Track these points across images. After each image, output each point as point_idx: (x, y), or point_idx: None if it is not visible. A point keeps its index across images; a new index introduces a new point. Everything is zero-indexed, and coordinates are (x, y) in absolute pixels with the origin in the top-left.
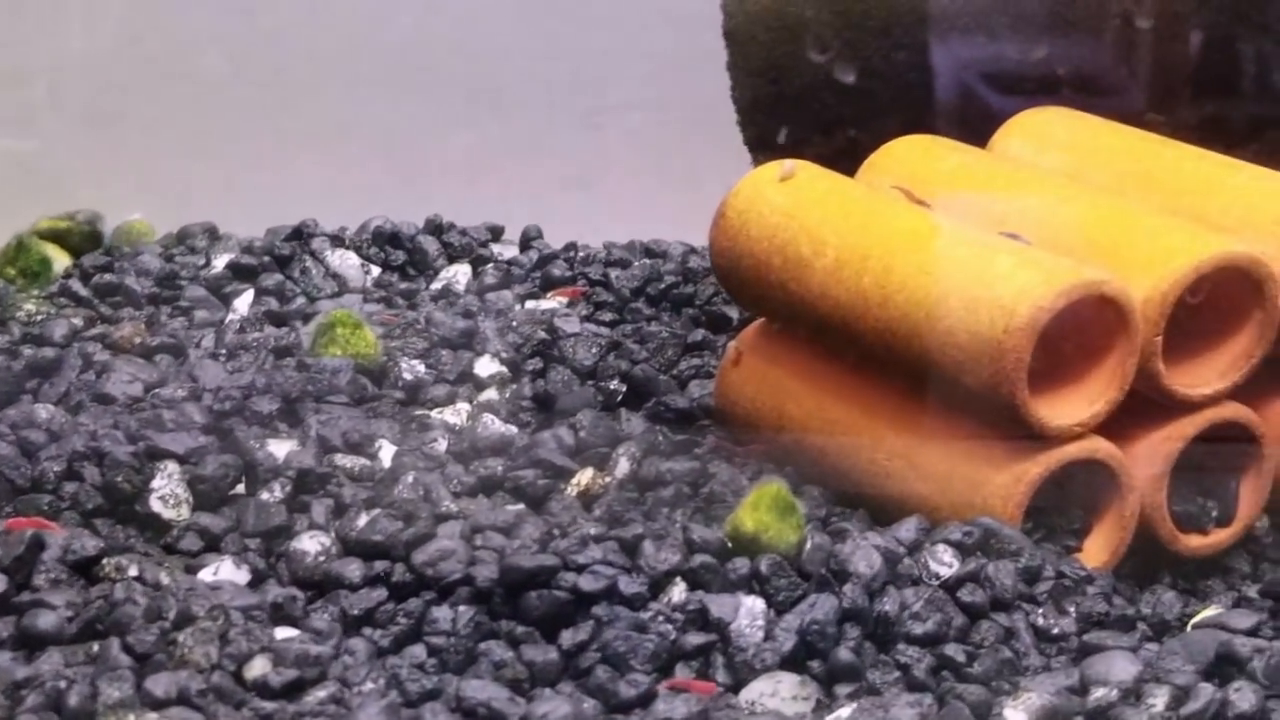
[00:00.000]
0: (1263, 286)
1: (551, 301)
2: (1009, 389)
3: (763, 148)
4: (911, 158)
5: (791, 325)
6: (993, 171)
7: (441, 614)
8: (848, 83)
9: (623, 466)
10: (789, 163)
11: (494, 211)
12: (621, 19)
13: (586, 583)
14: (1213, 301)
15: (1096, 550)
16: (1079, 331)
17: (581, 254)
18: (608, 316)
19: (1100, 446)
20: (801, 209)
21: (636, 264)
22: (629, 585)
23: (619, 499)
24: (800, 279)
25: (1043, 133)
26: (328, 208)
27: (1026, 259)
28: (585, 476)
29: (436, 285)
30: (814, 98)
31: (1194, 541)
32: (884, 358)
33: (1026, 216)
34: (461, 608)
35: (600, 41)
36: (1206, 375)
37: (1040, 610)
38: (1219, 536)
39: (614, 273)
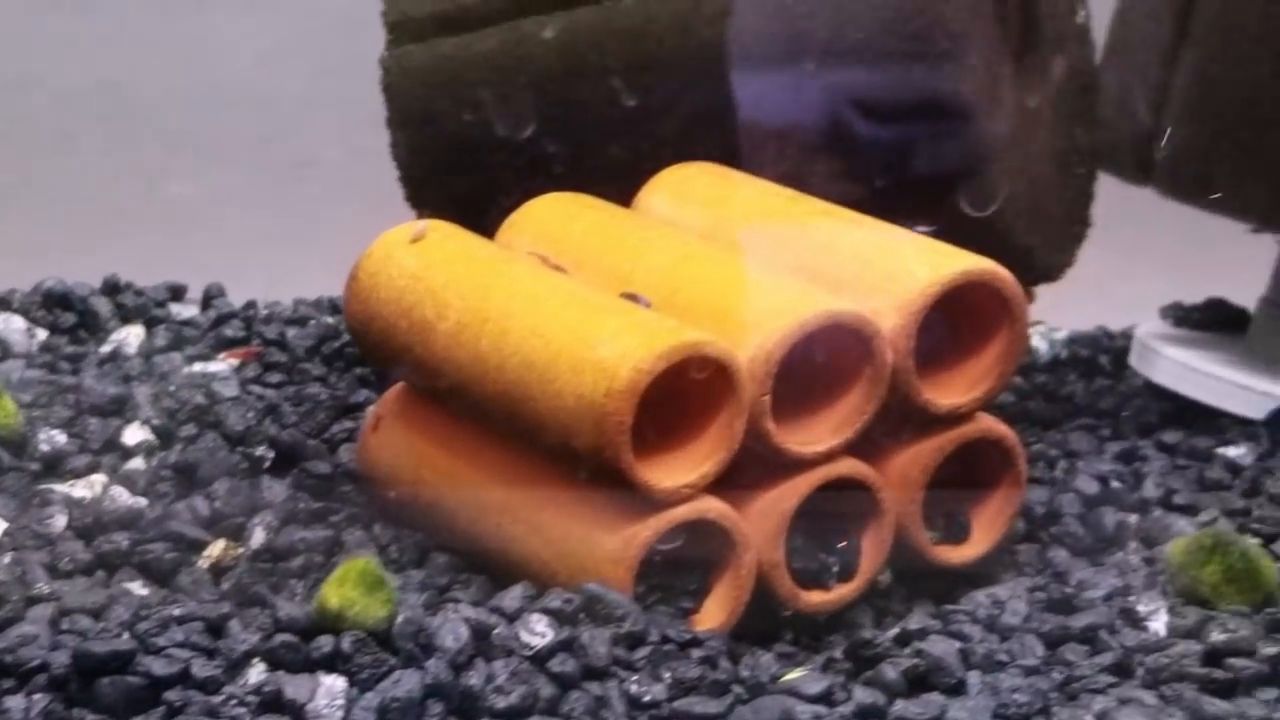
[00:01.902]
0: (871, 344)
1: (222, 363)
2: (613, 452)
3: (423, 205)
4: (550, 217)
5: (423, 389)
6: (623, 230)
7: (15, 703)
8: (506, 139)
9: (258, 536)
10: (420, 223)
11: (188, 268)
12: (327, 70)
13: (160, 667)
14: (825, 358)
15: (714, 611)
16: (687, 392)
17: (265, 312)
18: (276, 378)
19: (712, 507)
20: (428, 271)
21: (315, 322)
22: (203, 668)
23: (250, 571)
24: (425, 342)
25: (684, 188)
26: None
27: (631, 321)
28: (217, 548)
29: (106, 349)
30: (472, 154)
31: (815, 598)
32: (504, 421)
33: (651, 276)
34: (37, 695)
35: (305, 92)
36: (819, 432)
37: (635, 677)
38: (841, 592)
39: (291, 331)
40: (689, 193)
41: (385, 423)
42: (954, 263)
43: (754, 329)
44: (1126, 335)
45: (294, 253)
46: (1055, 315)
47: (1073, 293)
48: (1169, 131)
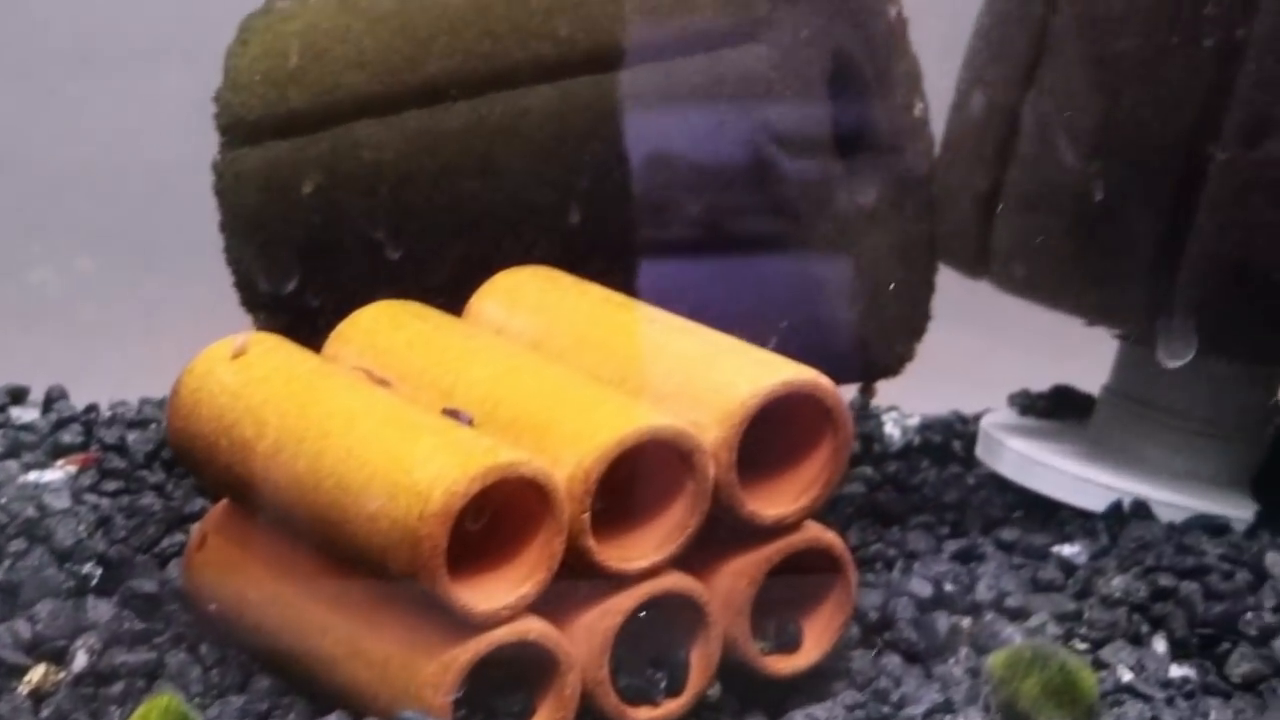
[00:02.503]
0: (692, 458)
1: (58, 471)
2: (428, 576)
3: (258, 309)
4: (376, 327)
5: (246, 509)
6: (448, 341)
7: None
8: (340, 244)
9: (80, 660)
10: (240, 338)
11: (36, 364)
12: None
13: None
14: (646, 473)
15: None
16: (507, 510)
17: (108, 414)
18: (112, 486)
19: (532, 627)
20: (248, 389)
21: (157, 425)
22: None
23: (71, 697)
24: (245, 462)
25: (515, 294)
26: None
27: (447, 442)
28: (38, 673)
29: None
30: (305, 260)
31: (643, 715)
32: (323, 544)
33: (474, 390)
34: None
35: (165, 177)
36: (642, 548)
37: None
38: (669, 707)
39: (132, 435)
40: (520, 299)
41: (211, 540)
42: (775, 374)
43: (572, 446)
44: (980, 419)
45: (147, 346)
46: (911, 400)
47: (930, 375)
48: (1001, 227)
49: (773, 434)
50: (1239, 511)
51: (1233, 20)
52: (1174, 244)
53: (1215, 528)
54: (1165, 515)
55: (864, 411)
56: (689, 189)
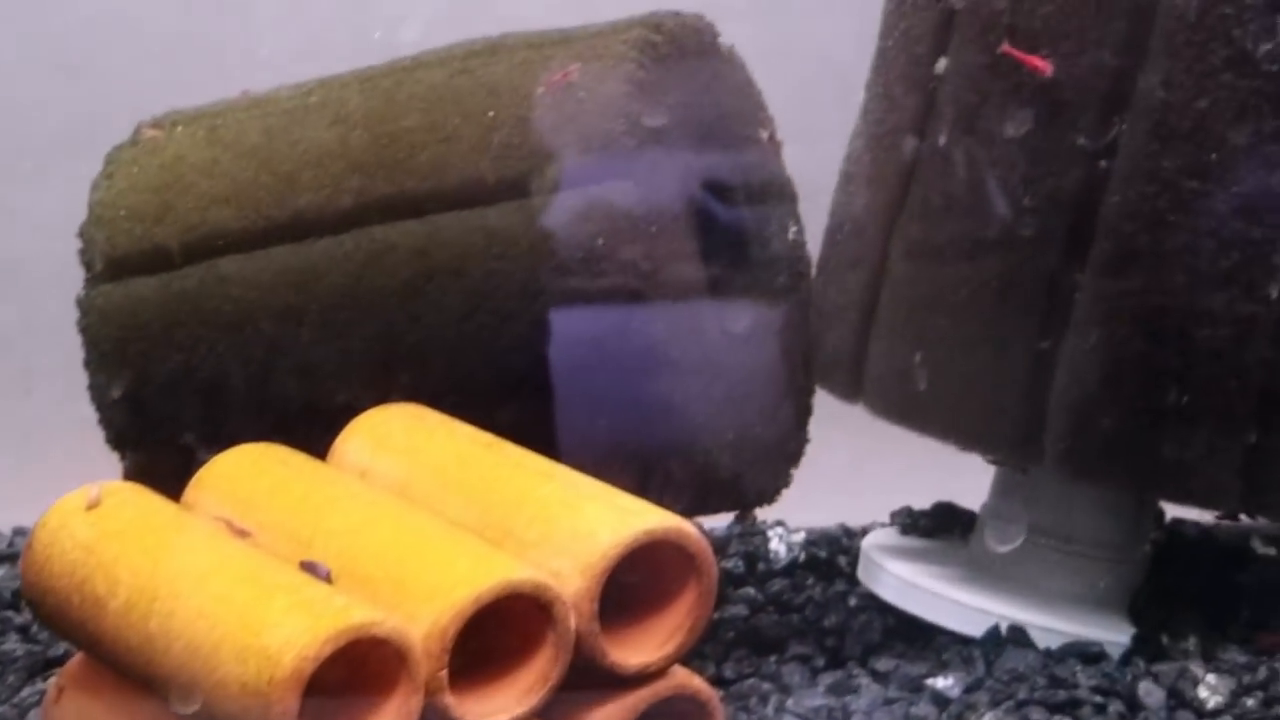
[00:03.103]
0: (552, 610)
1: None
2: None
3: (124, 449)
4: (237, 474)
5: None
6: (309, 489)
7: None
8: (206, 384)
9: None
10: (95, 488)
11: None
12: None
13: None
14: (506, 626)
15: None
16: (365, 667)
17: None
18: None
19: None
20: (101, 543)
21: None
22: None
23: None
24: (97, 620)
25: (380, 434)
26: None
27: (300, 601)
28: None
29: None
30: (170, 400)
31: None
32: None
33: (332, 541)
34: None
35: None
36: (503, 702)
37: None
38: None
39: (1, 570)
40: (385, 439)
41: (67, 694)
42: (637, 522)
43: (429, 602)
44: (867, 532)
45: (23, 470)
46: (801, 512)
47: (820, 485)
48: (874, 352)
49: (637, 580)
50: (1116, 635)
51: (1098, 151)
52: (1043, 371)
53: (1090, 655)
54: (1043, 641)
55: (748, 529)
56: (557, 326)
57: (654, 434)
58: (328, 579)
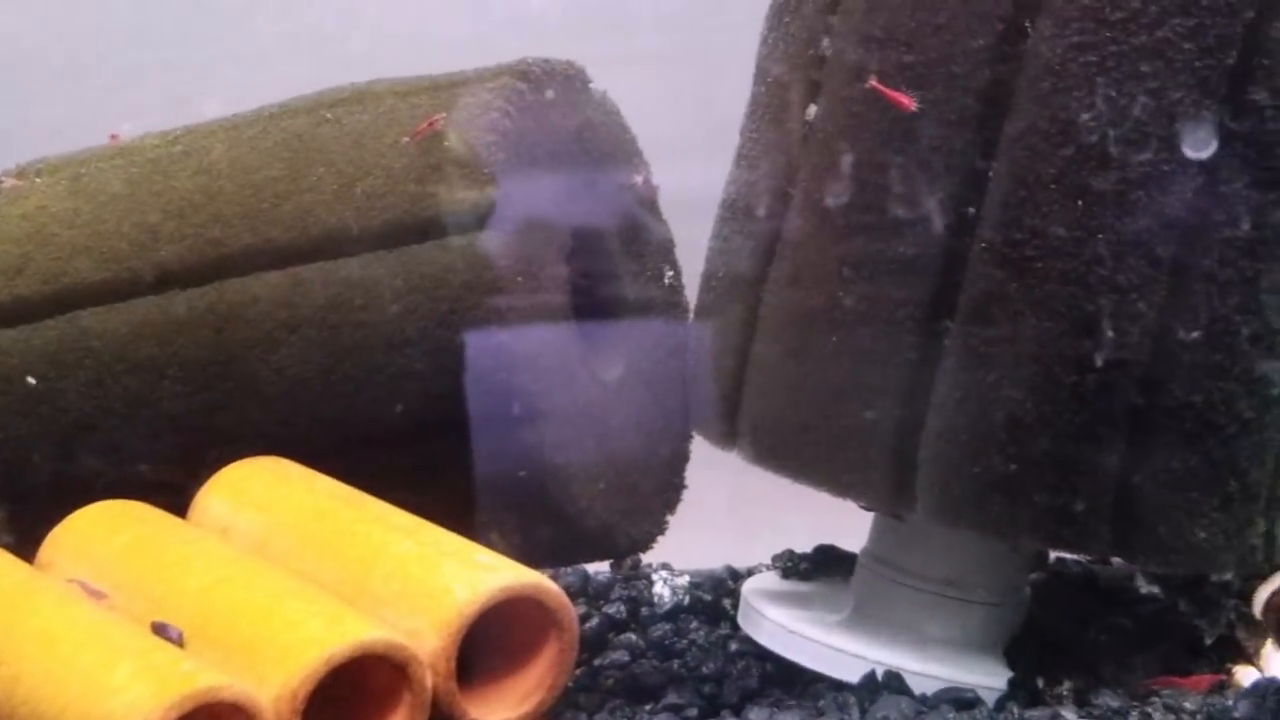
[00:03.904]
0: (407, 670)
1: None
2: None
3: None
4: (93, 532)
5: None
6: (164, 547)
7: None
8: (69, 439)
9: None
10: None
11: None
12: None
13: None
14: (361, 686)
15: None
16: None
17: None
18: None
19: None
20: None
21: None
22: None
23: None
24: None
25: (241, 489)
26: None
27: (145, 666)
28: None
29: None
30: (30, 457)
31: None
32: None
33: (185, 601)
34: None
35: None
36: None
37: None
38: None
39: None
40: (246, 494)
41: None
42: (494, 579)
43: (280, 665)
44: (753, 573)
45: None
46: (686, 556)
47: (707, 528)
48: (748, 399)
49: (497, 636)
50: (993, 680)
51: (965, 197)
52: (914, 418)
53: (964, 701)
54: (919, 686)
55: (632, 573)
56: (424, 378)
57: (522, 485)
58: (179, 641)
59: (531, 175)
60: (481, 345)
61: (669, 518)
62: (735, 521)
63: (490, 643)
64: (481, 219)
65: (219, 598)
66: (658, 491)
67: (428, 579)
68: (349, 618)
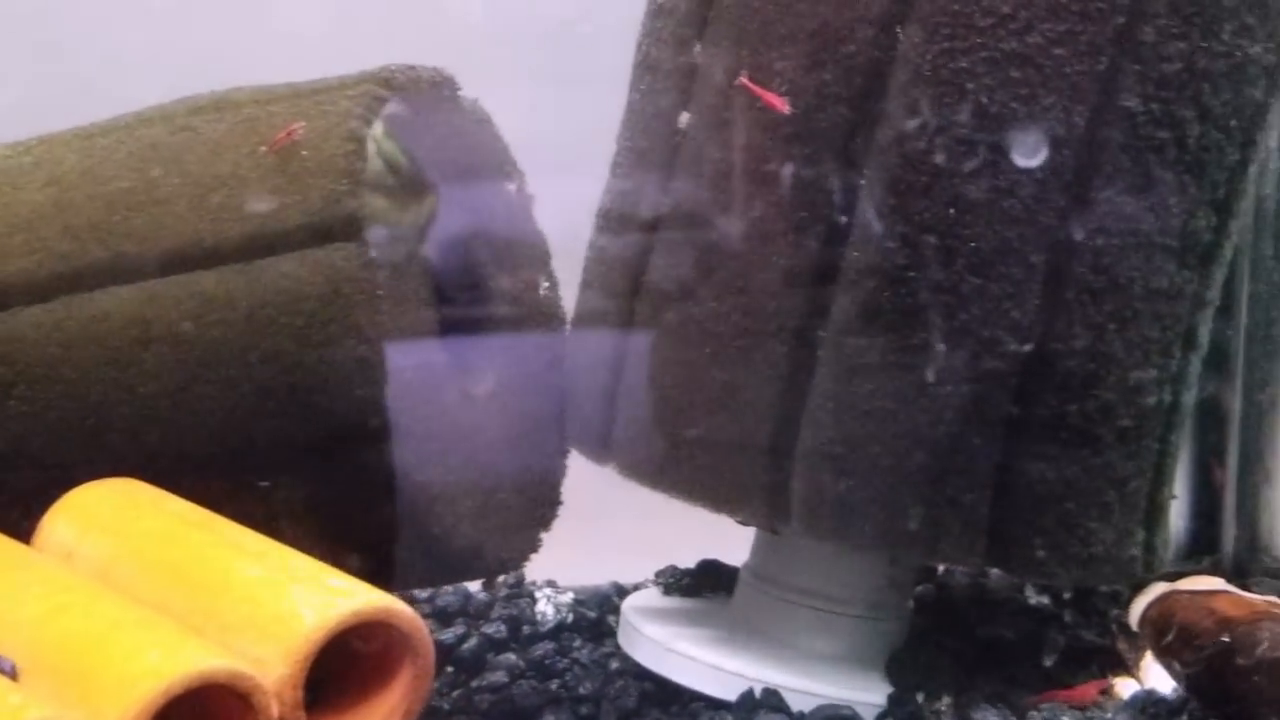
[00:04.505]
0: (252, 699)
1: None
2: None
3: None
4: None
5: None
6: (2, 574)
7: None
8: None
9: None
10: None
11: None
12: None
13: None
14: (208, 714)
15: None
16: None
17: None
18: None
19: None
20: None
21: None
22: None
23: None
24: None
25: (88, 513)
26: None
27: None
28: None
29: None
30: None
31: None
32: None
33: (20, 632)
34: None
35: None
36: None
37: None
38: None
39: None
40: (93, 518)
41: None
42: (345, 602)
43: (116, 697)
44: (640, 588)
45: None
46: (573, 571)
47: (595, 544)
48: (622, 411)
49: (349, 661)
50: (873, 696)
51: (838, 205)
52: (787, 431)
53: (842, 718)
54: (797, 704)
55: (515, 591)
56: (281, 396)
57: (385, 505)
58: (12, 673)
59: (392, 184)
60: (340, 361)
61: (543, 535)
62: (624, 537)
63: (344, 668)
64: (340, 230)
65: (56, 627)
66: (530, 509)
67: (276, 604)
68: (190, 646)
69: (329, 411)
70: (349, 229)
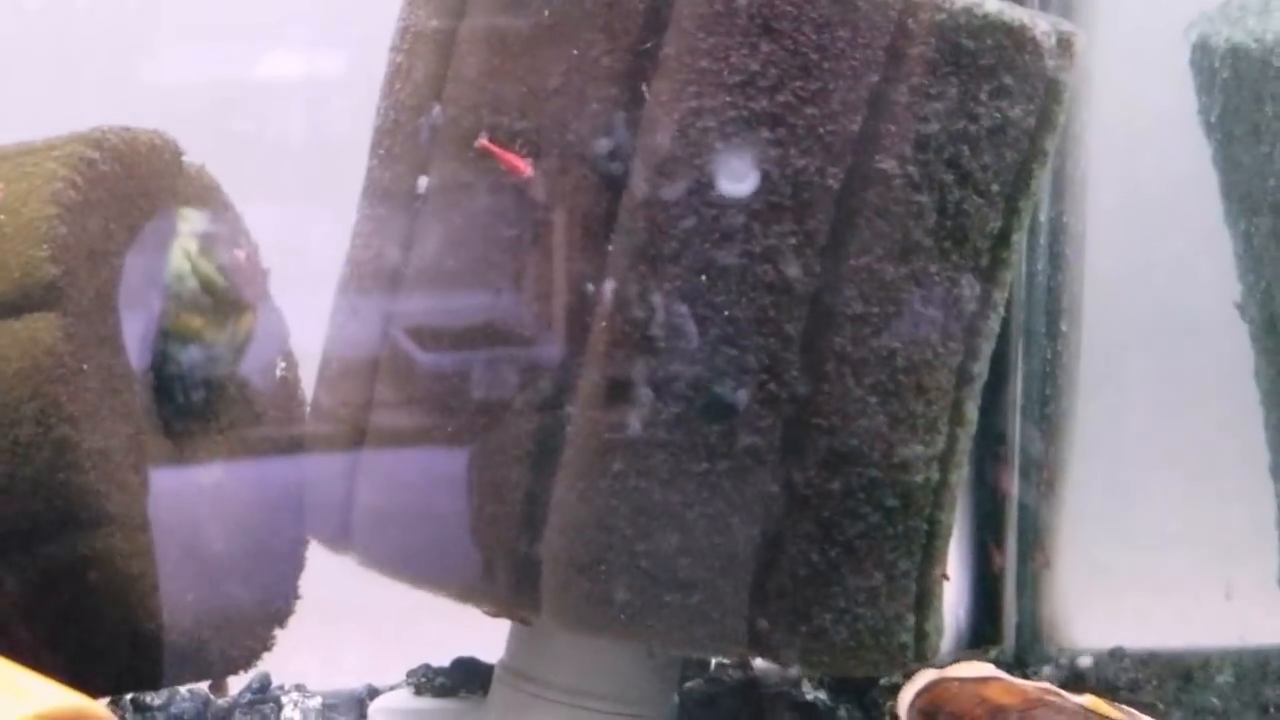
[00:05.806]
0: None
1: None
2: None
3: None
4: None
5: None
6: None
7: None
8: None
9: None
10: None
11: None
12: None
13: None
14: None
15: None
16: None
17: None
18: None
19: None
20: None
21: None
22: None
23: None
24: None
25: None
26: None
27: None
28: None
29: None
30: None
31: None
32: None
33: None
34: None
35: None
36: None
37: None
38: None
39: None
40: None
41: None
42: (31, 704)
43: None
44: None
45: None
46: (325, 673)
47: (351, 643)
48: (360, 499)
49: None
50: None
51: (583, 272)
52: (534, 515)
53: None
54: None
55: (260, 696)
56: None
57: (90, 598)
58: None
59: (103, 254)
60: (39, 441)
61: (276, 632)
62: (380, 635)
63: None
64: (40, 299)
65: None
66: (262, 604)
67: None
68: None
69: (27, 498)
70: (49, 298)
